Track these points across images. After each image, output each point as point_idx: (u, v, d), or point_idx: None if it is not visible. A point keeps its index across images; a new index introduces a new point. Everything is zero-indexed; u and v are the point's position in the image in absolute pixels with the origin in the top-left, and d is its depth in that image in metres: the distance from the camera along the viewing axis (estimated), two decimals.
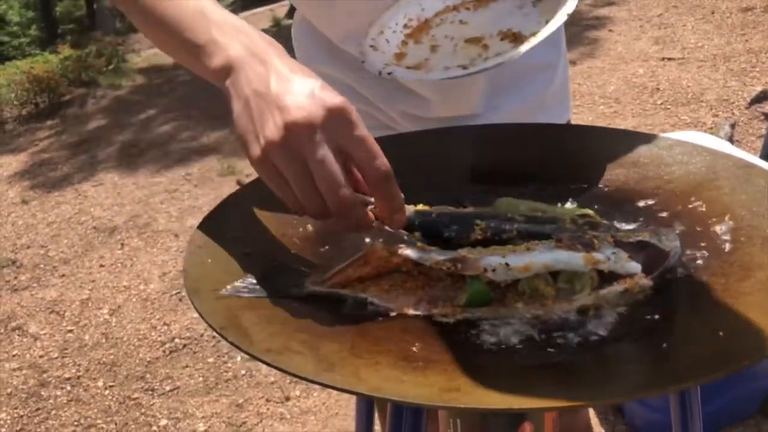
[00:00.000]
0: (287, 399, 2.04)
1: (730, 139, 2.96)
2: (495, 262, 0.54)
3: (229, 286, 0.58)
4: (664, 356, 0.44)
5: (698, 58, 3.78)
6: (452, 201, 0.74)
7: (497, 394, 0.42)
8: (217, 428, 1.97)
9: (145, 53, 6.59)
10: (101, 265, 2.95)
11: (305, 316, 0.54)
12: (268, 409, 2.01)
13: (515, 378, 0.44)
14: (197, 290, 0.57)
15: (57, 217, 3.48)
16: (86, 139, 4.57)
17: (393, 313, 0.55)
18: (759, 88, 3.28)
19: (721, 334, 0.46)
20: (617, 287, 0.54)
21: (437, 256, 0.55)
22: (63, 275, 2.93)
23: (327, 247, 0.68)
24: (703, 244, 0.61)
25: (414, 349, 0.49)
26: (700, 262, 0.58)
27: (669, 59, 3.86)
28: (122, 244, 3.10)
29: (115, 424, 2.06)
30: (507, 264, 0.53)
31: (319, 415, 1.97)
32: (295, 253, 0.67)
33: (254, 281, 0.59)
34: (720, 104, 3.28)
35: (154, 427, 2.02)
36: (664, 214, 0.64)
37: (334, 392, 2.01)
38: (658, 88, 3.55)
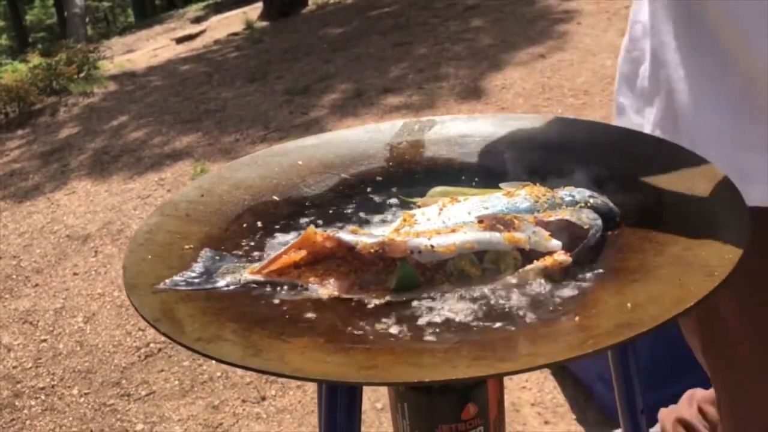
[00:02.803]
0: (263, 399, 2.05)
1: None
2: (420, 244, 0.56)
3: (167, 280, 0.59)
4: (572, 330, 0.46)
5: None
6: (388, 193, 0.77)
7: (414, 369, 0.44)
8: (194, 431, 1.98)
9: (117, 59, 6.54)
10: (75, 273, 2.94)
11: (239, 306, 0.56)
12: (244, 409, 2.03)
13: (435, 354, 0.46)
14: (134, 286, 0.58)
15: (29, 226, 3.45)
16: (58, 147, 4.54)
17: (326, 298, 0.57)
18: None
19: (629, 305, 0.48)
20: (538, 264, 0.56)
21: (367, 240, 0.57)
22: (36, 285, 2.91)
23: (263, 236, 0.70)
24: (627, 223, 0.63)
25: (342, 332, 0.51)
26: (620, 240, 0.61)
27: None
28: (96, 252, 3.09)
29: (91, 431, 2.06)
30: (432, 246, 0.56)
31: (294, 413, 1.99)
32: (236, 245, 0.69)
33: (193, 274, 0.61)
34: None
35: None
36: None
37: (310, 390, 2.03)
38: None
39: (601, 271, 0.56)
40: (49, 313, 2.68)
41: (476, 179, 0.81)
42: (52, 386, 2.29)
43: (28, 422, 2.15)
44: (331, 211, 0.76)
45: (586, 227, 0.59)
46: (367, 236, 0.58)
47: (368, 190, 0.81)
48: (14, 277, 2.99)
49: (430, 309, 0.53)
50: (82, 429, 2.08)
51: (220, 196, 0.78)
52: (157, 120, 4.64)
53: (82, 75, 5.71)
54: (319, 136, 0.93)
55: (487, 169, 0.82)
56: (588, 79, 3.76)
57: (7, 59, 6.18)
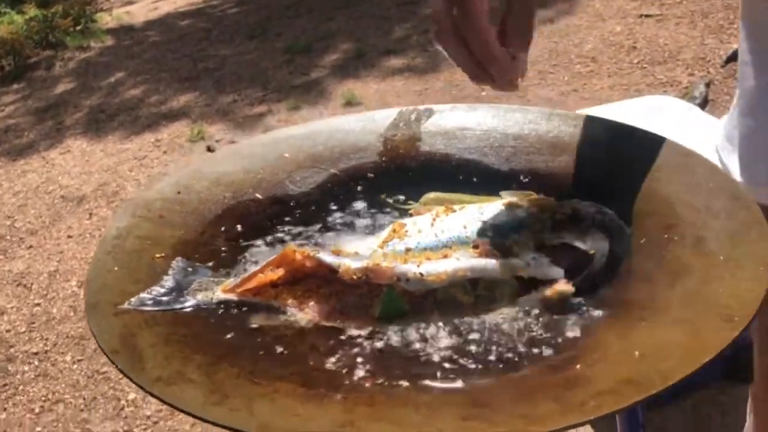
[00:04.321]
0: None
1: (705, 99, 2.93)
2: (408, 271, 0.51)
3: (133, 299, 0.54)
4: (572, 383, 0.41)
5: (676, 14, 3.71)
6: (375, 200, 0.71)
7: (393, 430, 0.39)
8: None
9: (116, 11, 6.38)
10: (69, 236, 2.90)
11: (209, 333, 0.51)
12: None
13: (419, 408, 0.41)
14: (96, 305, 0.53)
15: (23, 186, 3.40)
16: (53, 104, 4.45)
17: (304, 324, 0.52)
18: (735, 46, 3.23)
19: (636, 354, 0.43)
20: (537, 294, 0.51)
21: (350, 263, 0.52)
22: (30, 246, 2.87)
23: (242, 244, 0.65)
24: (636, 243, 0.58)
25: (318, 371, 0.46)
26: (628, 263, 0.55)
27: (647, 16, 3.78)
28: (90, 214, 3.04)
29: (84, 398, 2.05)
30: (421, 274, 0.50)
31: None
32: (211, 253, 0.64)
33: (161, 290, 0.56)
34: (696, 63, 3.23)
35: (123, 401, 2.01)
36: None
37: None
38: (635, 47, 3.49)
39: (605, 303, 0.51)
40: (43, 276, 2.65)
41: (474, 179, 0.75)
42: (45, 352, 2.27)
43: (21, 387, 2.14)
44: (316, 214, 0.70)
45: (591, 252, 0.53)
46: (350, 258, 0.53)
47: (358, 189, 0.75)
48: (8, 237, 2.95)
49: (416, 346, 0.48)
50: (74, 396, 2.07)
51: (198, 194, 0.72)
52: (154, 78, 4.53)
53: (78, 28, 5.57)
54: (308, 124, 0.87)
55: (486, 168, 0.76)
56: (596, 46, 3.65)
57: (6, 8, 6.00)
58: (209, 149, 3.39)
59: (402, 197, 0.72)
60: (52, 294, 2.55)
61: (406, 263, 0.51)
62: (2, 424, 2.01)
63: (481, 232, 0.59)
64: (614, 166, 0.69)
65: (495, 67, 0.53)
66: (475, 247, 0.51)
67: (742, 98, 0.77)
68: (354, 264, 0.51)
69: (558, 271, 0.52)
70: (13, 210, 3.18)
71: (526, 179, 0.73)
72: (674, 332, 0.45)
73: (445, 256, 0.51)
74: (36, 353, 2.27)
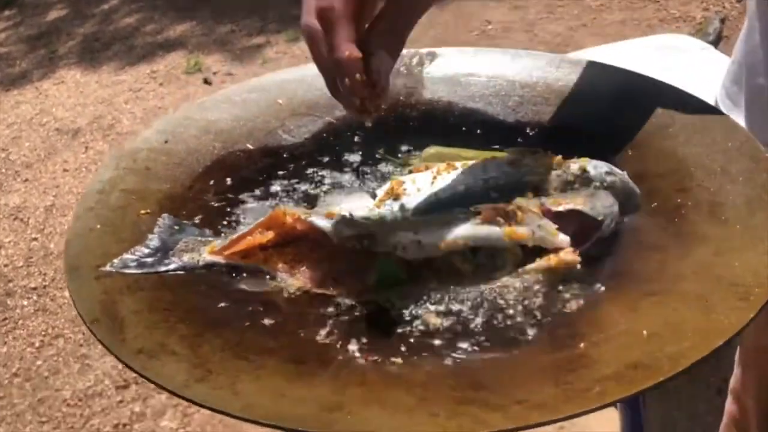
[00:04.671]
0: None
1: (719, 35, 2.83)
2: (406, 239, 0.48)
3: (116, 260, 0.52)
4: (575, 363, 0.39)
5: None
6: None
7: (386, 415, 0.37)
8: None
9: None
10: (65, 170, 2.86)
11: (194, 299, 0.49)
12: None
13: (412, 389, 0.39)
14: (76, 268, 0.50)
15: (17, 117, 3.33)
16: (45, 31, 4.31)
17: (294, 291, 0.49)
18: None
19: (645, 333, 0.41)
20: (541, 263, 0.48)
21: (345, 229, 0.49)
22: (26, 180, 2.84)
23: (231, 199, 0.61)
24: (647, 207, 0.55)
25: (308, 344, 0.44)
26: (638, 229, 0.52)
27: None
28: (86, 147, 2.99)
29: (83, 334, 2.06)
30: (419, 242, 0.47)
31: None
32: (199, 208, 0.61)
33: (146, 251, 0.53)
34: None
35: None
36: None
37: None
38: None
39: (612, 274, 0.49)
40: (40, 211, 2.63)
41: (478, 130, 0.71)
42: (44, 287, 2.28)
43: (20, 321, 2.16)
44: (310, 168, 0.67)
45: (600, 218, 0.50)
46: (344, 223, 0.50)
47: (355, 139, 0.71)
48: (3, 171, 2.92)
49: (412, 318, 0.46)
50: (74, 331, 2.08)
51: (186, 143, 0.68)
52: (149, 5, 4.38)
53: None
54: (303, 67, 0.82)
55: (490, 119, 0.72)
56: None
57: None
58: (206, 81, 3.30)
59: (403, 148, 0.69)
60: (49, 229, 2.54)
61: (404, 230, 0.48)
62: (3, 358, 2.03)
63: (484, 194, 0.56)
64: (627, 120, 0.65)
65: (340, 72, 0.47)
66: (477, 213, 0.48)
67: (749, 55, 0.71)
68: (348, 230, 0.48)
69: (563, 239, 0.49)
70: (7, 142, 3.12)
71: (533, 132, 0.69)
72: (685, 310, 0.43)
73: (446, 222, 0.48)
74: (35, 288, 2.28)
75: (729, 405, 0.94)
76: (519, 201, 0.52)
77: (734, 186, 0.54)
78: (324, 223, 0.49)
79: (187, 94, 3.30)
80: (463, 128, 0.72)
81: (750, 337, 0.84)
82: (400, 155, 0.68)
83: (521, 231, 0.48)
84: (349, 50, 0.46)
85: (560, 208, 0.50)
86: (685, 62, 1.74)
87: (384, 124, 0.73)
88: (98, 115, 3.19)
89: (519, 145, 0.67)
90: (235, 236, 0.52)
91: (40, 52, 4.01)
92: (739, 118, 0.68)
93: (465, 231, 0.48)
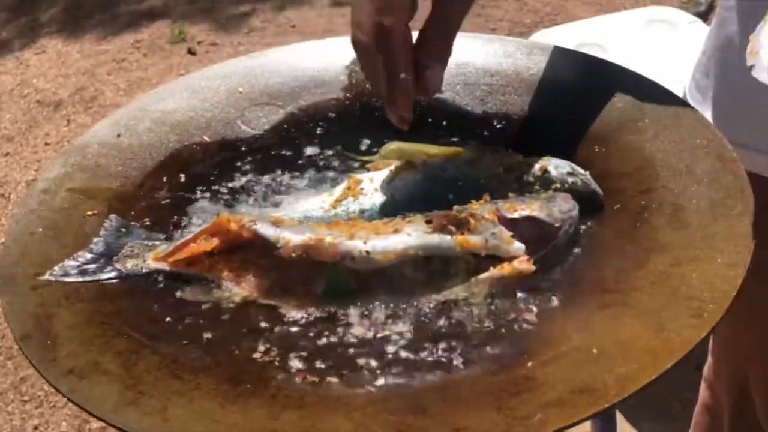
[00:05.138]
0: None
1: (710, 6, 2.78)
2: (354, 249, 0.46)
3: (56, 267, 0.50)
4: (520, 386, 0.37)
5: None
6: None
7: None
8: None
9: None
10: (47, 144, 2.82)
11: (135, 309, 0.47)
12: None
13: (351, 413, 0.38)
14: (12, 277, 0.49)
15: None
16: None
17: (239, 300, 0.48)
18: None
19: (595, 351, 0.39)
20: (494, 272, 0.47)
21: (290, 237, 0.47)
22: (7, 154, 2.80)
23: (183, 198, 0.59)
24: (609, 209, 0.53)
25: (247, 362, 0.42)
26: (599, 234, 0.51)
27: None
28: (68, 120, 2.94)
29: None
30: (367, 252, 0.46)
31: None
32: (149, 209, 0.58)
33: (89, 257, 0.52)
34: None
35: None
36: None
37: None
38: None
39: (568, 283, 0.47)
40: (21, 186, 2.59)
41: (444, 122, 0.68)
42: None
43: None
44: (267, 163, 0.64)
45: (556, 225, 0.48)
46: (291, 230, 0.48)
47: (317, 131, 0.69)
48: None
49: (357, 332, 0.44)
50: None
51: (139, 137, 0.66)
52: None
53: None
54: (266, 52, 0.79)
55: (457, 109, 0.70)
56: None
57: None
58: (190, 52, 3.24)
59: (366, 141, 0.66)
60: None
61: (353, 238, 0.46)
62: None
63: (442, 195, 0.54)
64: (596, 114, 0.63)
65: (397, 85, 0.49)
66: (429, 221, 0.46)
67: (720, 50, 0.67)
68: (295, 238, 0.46)
69: (518, 248, 0.47)
70: None
71: (500, 124, 0.67)
72: (638, 326, 0.41)
73: (396, 231, 0.46)
74: None
75: (702, 391, 0.94)
76: (474, 207, 0.50)
77: (699, 188, 0.52)
78: (270, 232, 0.47)
79: (171, 64, 3.23)
80: (429, 119, 0.69)
81: (722, 327, 0.83)
82: (363, 148, 0.65)
83: (474, 240, 0.46)
84: (408, 74, 0.48)
85: (515, 215, 0.48)
86: (673, 37, 1.71)
87: (347, 115, 0.71)
88: (80, 87, 3.13)
89: (485, 138, 0.65)
90: (179, 242, 0.50)
91: (21, 20, 3.91)
92: (707, 112, 0.66)
93: (415, 240, 0.46)
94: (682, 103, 0.61)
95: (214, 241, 0.49)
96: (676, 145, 0.57)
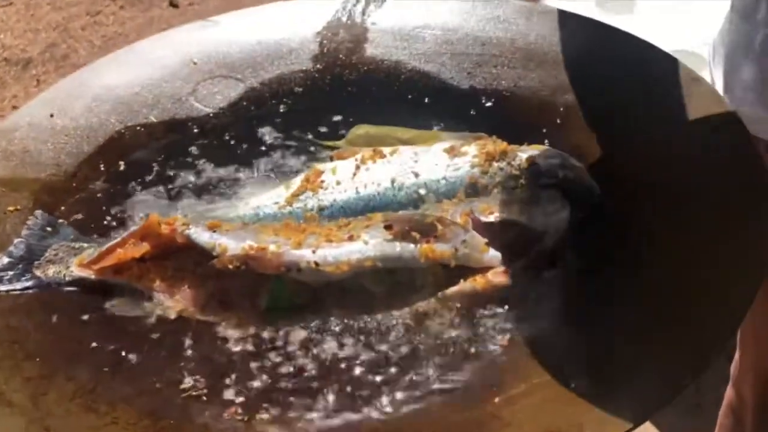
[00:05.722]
0: None
1: None
2: (301, 259, 0.43)
3: None
4: (484, 427, 0.35)
5: None
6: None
7: None
8: None
9: None
10: (14, 107, 2.79)
11: (52, 326, 0.45)
12: None
13: None
14: None
15: None
16: None
17: (172, 315, 0.45)
18: None
19: (573, 386, 0.37)
20: (465, 286, 0.44)
21: (228, 244, 0.45)
22: None
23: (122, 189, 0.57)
24: (605, 208, 0.50)
25: (174, 392, 0.40)
26: (590, 239, 0.48)
27: None
28: (38, 81, 2.91)
29: None
30: (316, 263, 0.43)
31: None
32: (81, 203, 0.56)
33: (7, 261, 0.49)
34: None
35: None
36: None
37: None
38: None
39: (551, 299, 0.44)
40: None
41: (426, 99, 0.65)
42: None
43: None
44: (219, 148, 0.61)
45: (541, 230, 0.45)
46: (230, 235, 0.45)
47: (280, 109, 0.65)
48: None
49: (298, 359, 0.42)
50: None
51: (75, 117, 0.63)
52: None
53: None
54: (227, 15, 0.75)
55: (442, 84, 0.66)
56: None
57: None
58: (172, 4, 3.18)
59: (336, 119, 0.63)
60: None
61: (300, 246, 0.43)
62: None
63: (411, 191, 0.51)
64: (597, 91, 0.60)
65: None
66: (389, 227, 0.43)
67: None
68: (233, 246, 0.44)
69: (493, 257, 0.44)
70: None
71: (489, 101, 0.63)
72: (630, 355, 0.39)
73: (351, 238, 0.44)
74: None
75: (728, 391, 0.92)
76: (445, 206, 0.47)
77: (712, 179, 0.49)
78: (204, 238, 0.45)
79: (152, 18, 3.18)
80: (409, 96, 0.66)
81: (748, 324, 0.81)
82: (329, 131, 0.62)
83: (441, 249, 0.43)
84: None
85: (491, 218, 0.45)
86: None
87: (316, 90, 0.68)
88: (51, 44, 3.09)
89: (469, 120, 0.61)
90: (104, 247, 0.47)
91: None
92: (722, 80, 0.62)
93: (372, 250, 0.43)
94: (696, 78, 0.57)
95: (144, 247, 0.47)
96: (688, 128, 0.53)
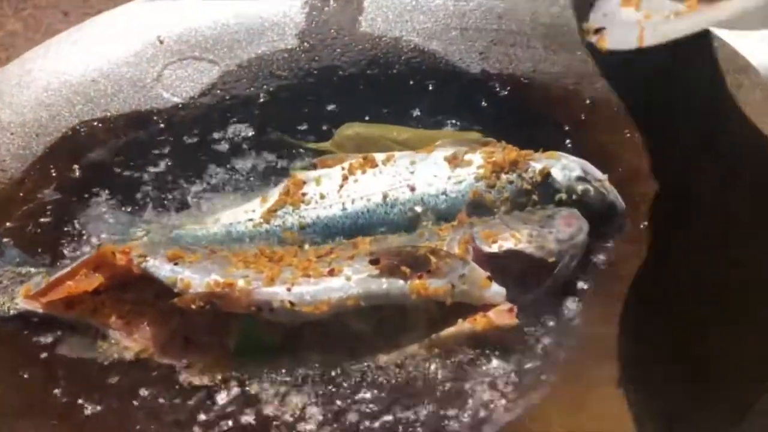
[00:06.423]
0: None
1: None
2: (274, 298, 0.44)
3: None
4: None
5: None
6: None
7: None
8: None
9: None
10: None
11: None
12: None
13: None
14: None
15: None
16: None
17: (131, 356, 0.47)
18: None
19: None
20: (464, 327, 0.44)
21: (192, 279, 0.45)
22: None
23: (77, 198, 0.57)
24: (632, 229, 0.50)
25: None
26: (611, 269, 0.48)
27: None
28: None
29: None
30: (291, 303, 0.44)
31: None
32: (30, 216, 0.57)
33: None
34: None
35: None
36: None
37: None
38: None
39: (564, 341, 0.45)
40: None
41: (430, 86, 0.65)
42: None
43: None
44: (187, 150, 0.61)
45: (552, 260, 0.46)
46: (194, 269, 0.46)
47: (260, 98, 0.65)
48: None
49: (275, 411, 0.43)
50: None
51: (22, 112, 0.63)
52: None
53: None
54: None
55: (449, 67, 0.65)
56: None
57: None
58: None
59: (330, 108, 0.63)
60: None
61: (274, 282, 0.44)
62: None
63: (406, 208, 0.52)
64: (634, 83, 0.59)
65: None
66: (375, 261, 0.44)
67: None
68: (197, 281, 0.45)
69: (496, 293, 0.45)
70: None
71: (503, 90, 0.63)
72: (647, 416, 0.39)
73: (332, 272, 0.44)
74: None
75: None
76: (442, 231, 0.47)
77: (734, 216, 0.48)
78: (165, 273, 0.45)
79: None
80: (411, 81, 0.65)
81: None
82: (311, 128, 0.62)
83: (435, 285, 0.44)
84: None
85: (494, 248, 0.45)
86: None
87: (301, 73, 0.68)
88: None
89: (478, 113, 0.61)
90: (54, 277, 0.48)
91: None
92: None
93: (356, 288, 0.44)
94: (744, 68, 0.56)
95: (98, 278, 0.47)
96: (729, 137, 0.53)
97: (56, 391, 0.45)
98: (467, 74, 0.65)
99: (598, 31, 0.45)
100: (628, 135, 0.57)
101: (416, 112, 0.63)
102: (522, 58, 0.65)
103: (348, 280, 0.44)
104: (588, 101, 0.60)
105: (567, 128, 0.58)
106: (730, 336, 0.42)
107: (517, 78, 0.63)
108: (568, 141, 0.57)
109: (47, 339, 0.48)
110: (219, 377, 0.45)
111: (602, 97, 0.60)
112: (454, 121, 0.62)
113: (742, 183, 0.49)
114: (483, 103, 0.63)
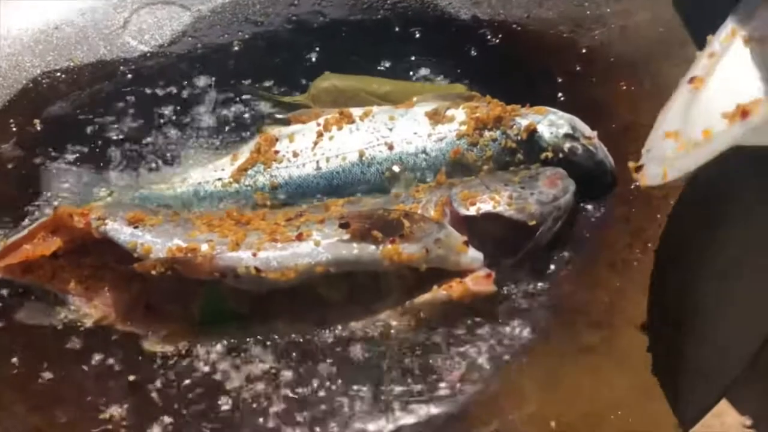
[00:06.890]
0: None
1: None
2: (239, 263, 0.46)
3: None
4: None
5: None
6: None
7: None
8: None
9: None
10: None
11: None
12: None
13: None
14: None
15: None
16: None
17: (89, 325, 0.49)
18: None
19: (552, 426, 0.40)
20: (437, 294, 0.47)
21: (153, 243, 0.47)
22: None
23: (40, 155, 0.60)
24: (621, 191, 0.52)
25: (92, 425, 0.44)
26: (597, 233, 0.50)
27: None
28: None
29: None
30: (257, 269, 0.46)
31: None
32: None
33: None
34: None
35: None
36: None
37: None
38: None
39: (542, 309, 0.47)
40: None
41: (417, 33, 0.66)
42: None
43: None
44: (154, 102, 0.63)
45: (533, 223, 0.48)
46: (155, 232, 0.48)
47: (234, 47, 0.67)
48: None
49: (240, 383, 0.46)
50: None
51: None
52: None
53: None
54: None
55: (438, 12, 0.66)
56: None
57: None
58: None
59: (311, 58, 0.65)
60: None
61: (238, 246, 0.46)
62: None
63: (381, 167, 0.53)
64: (629, 31, 0.60)
65: None
66: (344, 225, 0.46)
67: None
68: (158, 246, 0.47)
69: (473, 259, 0.47)
70: None
71: (495, 39, 0.64)
72: (624, 388, 0.42)
73: (300, 236, 0.46)
74: None
75: None
76: (418, 193, 0.49)
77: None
78: (124, 236, 0.48)
79: None
80: (396, 28, 0.67)
81: None
82: (284, 82, 0.64)
83: (409, 250, 0.46)
84: None
85: (472, 211, 0.47)
86: None
87: (281, 20, 0.69)
88: None
89: (465, 64, 0.63)
90: (10, 241, 0.51)
91: None
92: None
93: (325, 253, 0.46)
94: None
95: (56, 242, 0.50)
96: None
97: (12, 359, 0.48)
98: (456, 20, 0.66)
99: (639, 168, 0.47)
100: (624, 87, 0.58)
101: (401, 63, 0.64)
102: (515, 2, 0.66)
103: (317, 245, 0.46)
104: (584, 50, 0.61)
105: (560, 80, 0.59)
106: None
107: (509, 25, 0.65)
108: (560, 94, 0.58)
109: (3, 305, 0.51)
110: (182, 346, 0.47)
111: (598, 46, 0.61)
112: (439, 72, 0.63)
113: None
114: (472, 52, 0.64)
